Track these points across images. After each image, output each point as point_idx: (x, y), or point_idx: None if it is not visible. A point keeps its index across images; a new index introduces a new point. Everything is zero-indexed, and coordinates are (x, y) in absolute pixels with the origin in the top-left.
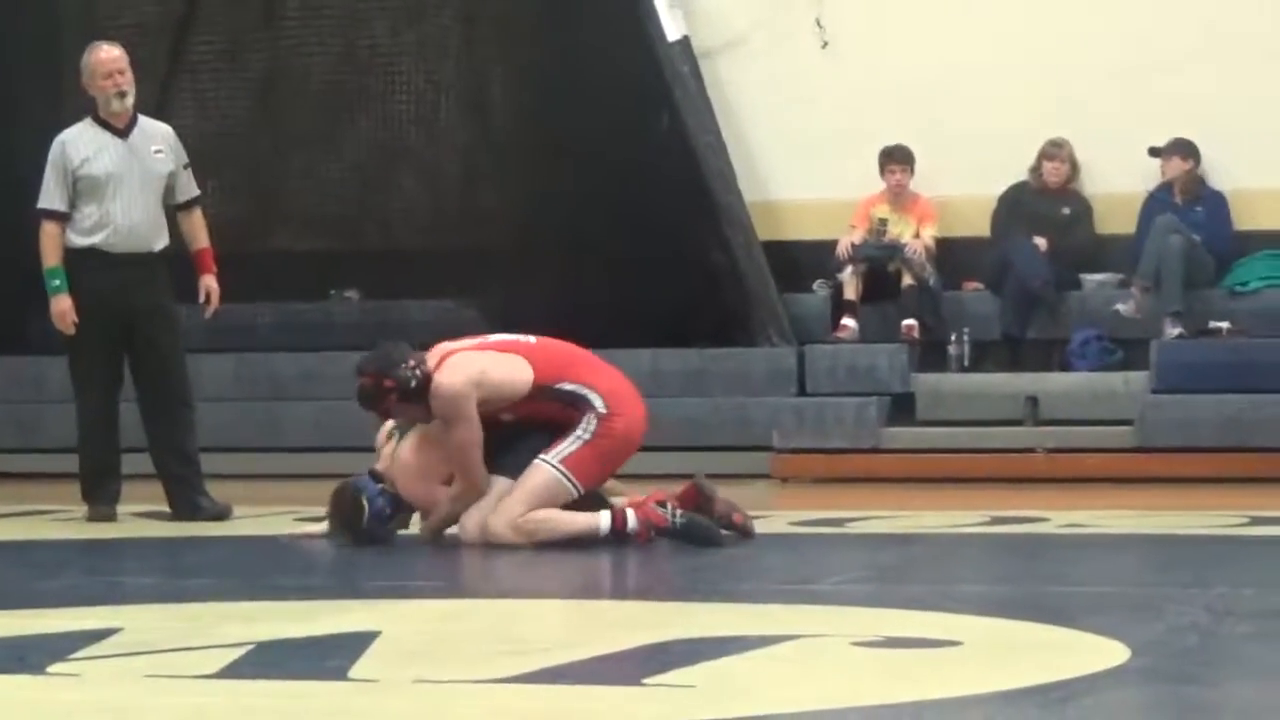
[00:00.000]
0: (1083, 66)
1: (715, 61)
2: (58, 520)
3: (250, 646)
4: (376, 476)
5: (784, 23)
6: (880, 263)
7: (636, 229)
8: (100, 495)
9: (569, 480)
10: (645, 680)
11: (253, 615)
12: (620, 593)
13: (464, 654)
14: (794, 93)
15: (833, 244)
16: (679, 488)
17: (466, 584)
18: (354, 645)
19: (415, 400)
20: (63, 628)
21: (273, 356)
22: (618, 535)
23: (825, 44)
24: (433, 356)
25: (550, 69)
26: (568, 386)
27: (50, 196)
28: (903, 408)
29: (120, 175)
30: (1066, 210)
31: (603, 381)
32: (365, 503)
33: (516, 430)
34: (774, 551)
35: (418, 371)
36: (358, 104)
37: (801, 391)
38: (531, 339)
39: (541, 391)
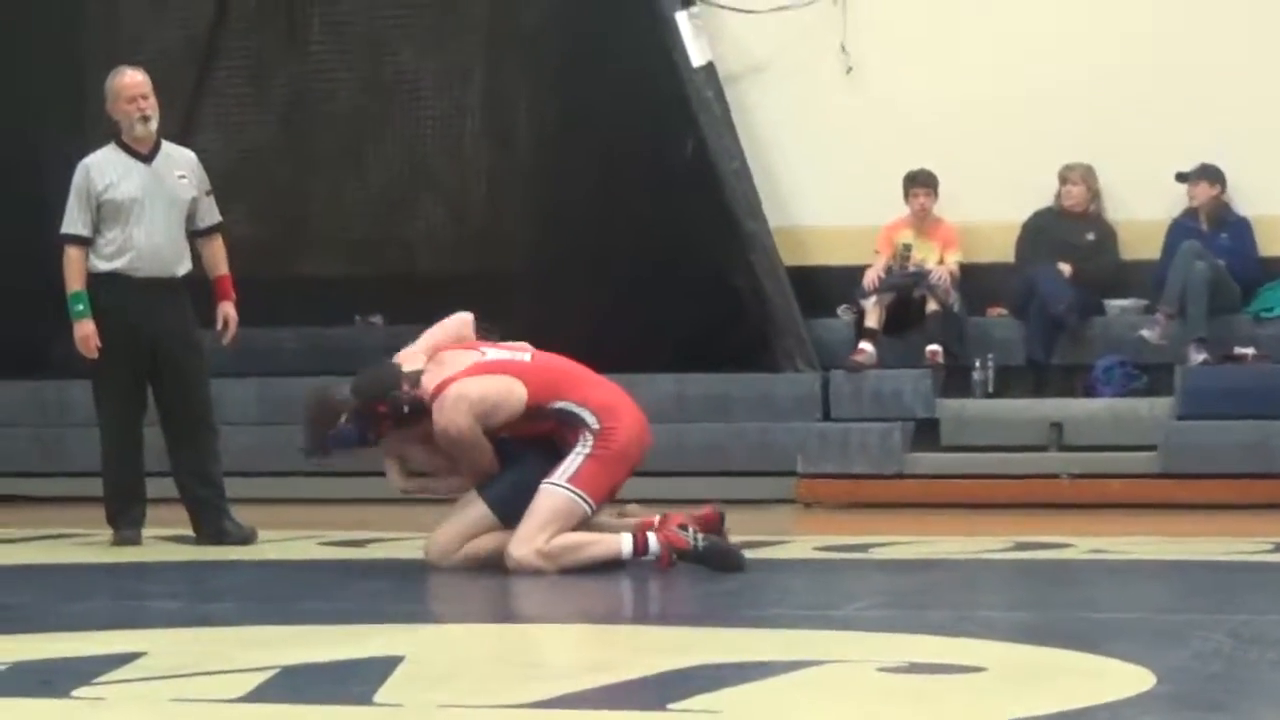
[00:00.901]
0: (1108, 92)
1: (740, 87)
2: (82, 544)
3: (275, 671)
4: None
5: (808, 49)
6: (905, 290)
7: (661, 254)
8: (125, 519)
9: (581, 498)
10: (669, 706)
11: (278, 640)
12: (643, 618)
13: (488, 679)
14: (818, 118)
15: (857, 269)
16: (699, 510)
17: (490, 609)
18: (379, 670)
19: (409, 424)
20: (87, 651)
21: (297, 381)
22: (639, 558)
23: (849, 69)
24: (430, 372)
25: (574, 93)
26: (559, 405)
27: (73, 221)
28: (927, 433)
29: (144, 200)
30: (1090, 236)
31: (595, 397)
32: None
33: (510, 450)
34: (798, 576)
35: (411, 395)
36: (382, 128)
37: (826, 416)
38: (526, 356)
39: (536, 411)
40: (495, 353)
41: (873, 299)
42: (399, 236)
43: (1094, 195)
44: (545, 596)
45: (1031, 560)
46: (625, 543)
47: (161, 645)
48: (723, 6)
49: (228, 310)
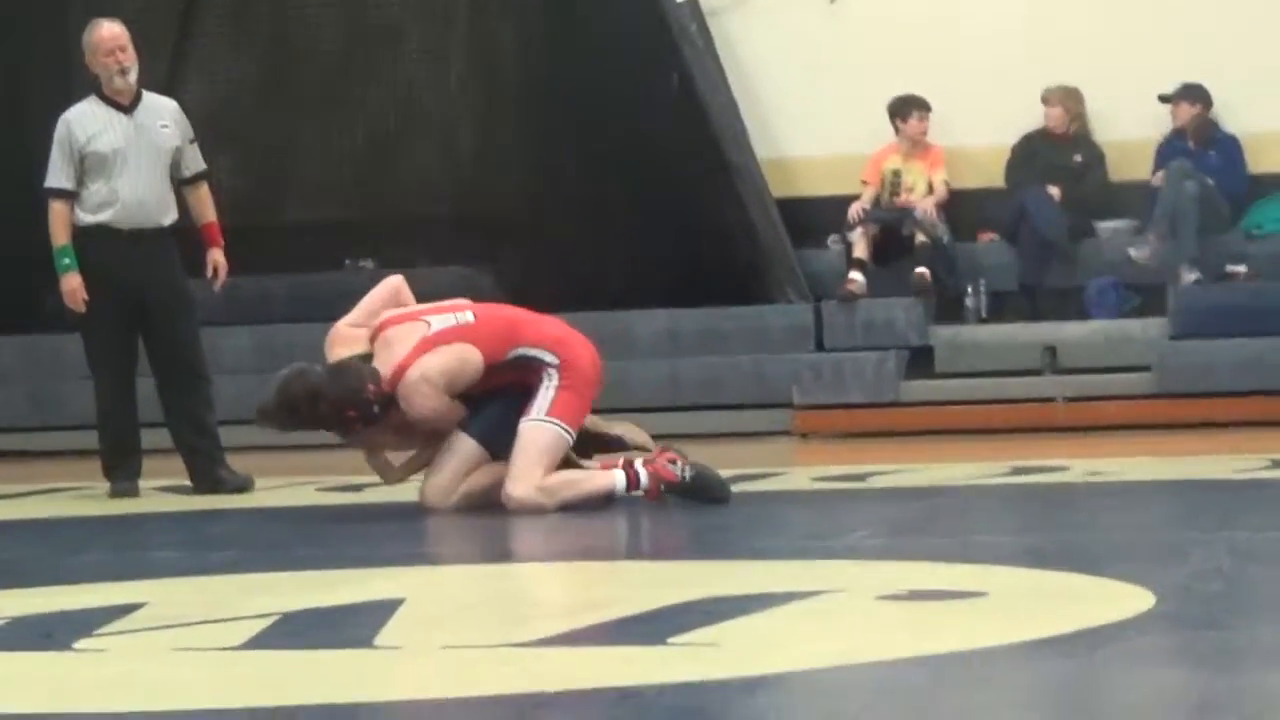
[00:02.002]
0: (1090, 14)
1: (723, 20)
2: (80, 497)
3: (276, 617)
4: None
5: None
6: (892, 223)
7: (650, 190)
8: (121, 471)
9: (562, 428)
10: (669, 640)
11: (277, 586)
12: (642, 553)
13: (488, 619)
14: (803, 48)
15: (847, 199)
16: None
17: (489, 550)
18: (379, 613)
19: (375, 423)
20: (88, 604)
21: (289, 328)
22: (631, 493)
23: None
24: (379, 355)
25: (558, 31)
26: (516, 353)
27: (57, 175)
28: (921, 361)
29: (126, 151)
30: (1078, 157)
31: (545, 335)
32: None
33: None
34: (796, 508)
35: (378, 393)
36: (367, 73)
37: (819, 347)
38: (469, 315)
39: (494, 367)
40: (439, 320)
41: (859, 230)
42: (388, 180)
43: (1075, 117)
44: (543, 536)
45: (1029, 484)
46: (619, 478)
47: (161, 595)
48: None
49: (216, 257)
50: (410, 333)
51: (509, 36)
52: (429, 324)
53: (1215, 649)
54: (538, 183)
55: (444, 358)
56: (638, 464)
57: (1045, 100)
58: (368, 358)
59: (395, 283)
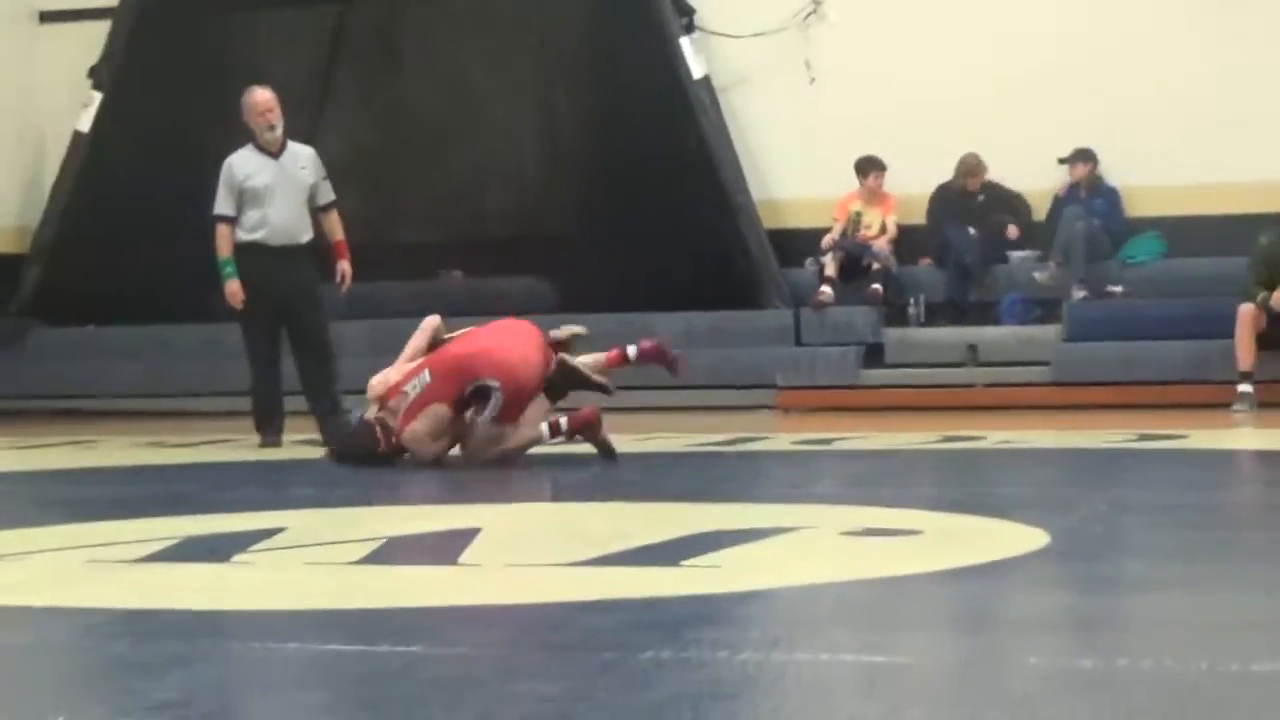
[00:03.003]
0: (998, 95)
1: (730, 93)
2: (238, 447)
3: (383, 540)
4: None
5: (780, 64)
6: (855, 252)
7: (670, 221)
8: (269, 428)
9: (501, 426)
10: (682, 562)
11: (386, 516)
12: (659, 496)
13: (544, 544)
14: (789, 116)
15: (821, 231)
16: (582, 410)
17: (543, 492)
18: (461, 539)
19: (401, 455)
20: (241, 527)
21: (398, 322)
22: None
23: (812, 80)
24: (396, 399)
25: (604, 100)
26: (471, 387)
27: (222, 204)
28: (875, 354)
29: (275, 187)
30: (981, 198)
31: (482, 361)
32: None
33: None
34: (778, 464)
35: (388, 445)
36: (459, 129)
37: (798, 343)
38: (426, 376)
39: (456, 408)
40: (411, 386)
41: (829, 255)
42: (473, 210)
43: (975, 174)
44: (584, 483)
45: (954, 450)
46: (544, 429)
47: (298, 522)
48: (715, 33)
49: (344, 267)
50: (400, 403)
51: (567, 104)
52: (407, 394)
53: (1096, 577)
54: (585, 214)
55: (421, 423)
56: (561, 420)
57: (973, 172)
58: (383, 422)
59: (433, 323)
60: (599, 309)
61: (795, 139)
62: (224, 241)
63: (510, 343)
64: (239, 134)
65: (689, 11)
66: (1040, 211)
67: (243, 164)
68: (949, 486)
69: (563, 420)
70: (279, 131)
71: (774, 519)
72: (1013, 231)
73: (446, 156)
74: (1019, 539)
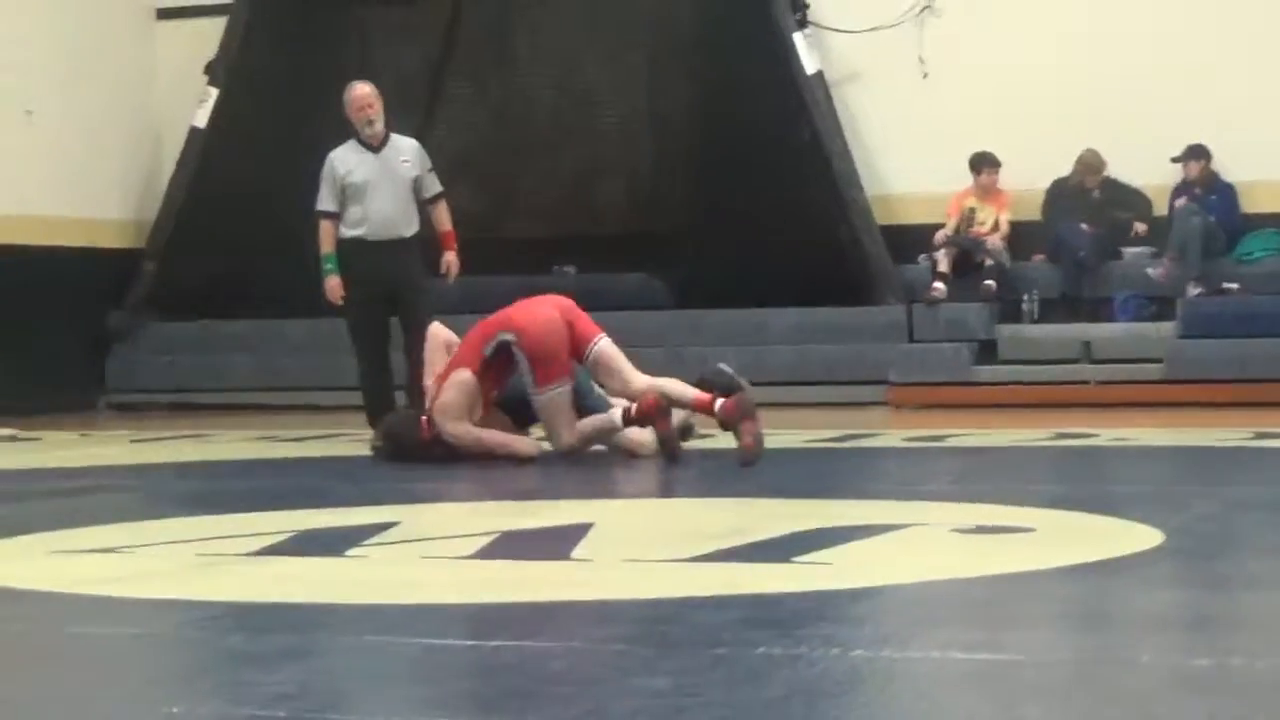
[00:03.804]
0: (1112, 90)
1: (843, 89)
2: (350, 441)
3: (497, 535)
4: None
5: (894, 59)
6: (969, 250)
7: (785, 217)
8: (379, 421)
9: (558, 389)
10: (794, 559)
11: (499, 512)
12: (772, 493)
13: (657, 539)
14: (903, 112)
15: (934, 227)
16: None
17: (657, 488)
18: (574, 534)
19: (446, 447)
20: (356, 521)
21: None
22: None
23: (926, 75)
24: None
25: (719, 95)
26: (490, 346)
27: (324, 200)
28: (988, 351)
29: (375, 182)
30: (1096, 194)
31: (500, 319)
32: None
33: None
34: (890, 460)
35: (431, 433)
36: (571, 124)
37: (910, 339)
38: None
39: (481, 370)
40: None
41: (942, 251)
42: (585, 205)
43: (1095, 172)
44: (696, 479)
45: (1067, 446)
46: (617, 414)
47: (411, 516)
48: (829, 28)
49: (450, 258)
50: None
51: (679, 99)
52: (450, 343)
53: (1210, 575)
54: (699, 210)
55: (448, 394)
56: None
57: (1094, 169)
58: (421, 415)
59: (435, 331)
60: (712, 305)
61: (908, 134)
62: (326, 237)
63: (527, 304)
64: (349, 130)
65: (802, 7)
66: (1159, 208)
67: (343, 160)
68: (1062, 484)
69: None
70: (379, 126)
71: (885, 516)
72: (1140, 229)
73: (559, 151)
74: (1133, 537)
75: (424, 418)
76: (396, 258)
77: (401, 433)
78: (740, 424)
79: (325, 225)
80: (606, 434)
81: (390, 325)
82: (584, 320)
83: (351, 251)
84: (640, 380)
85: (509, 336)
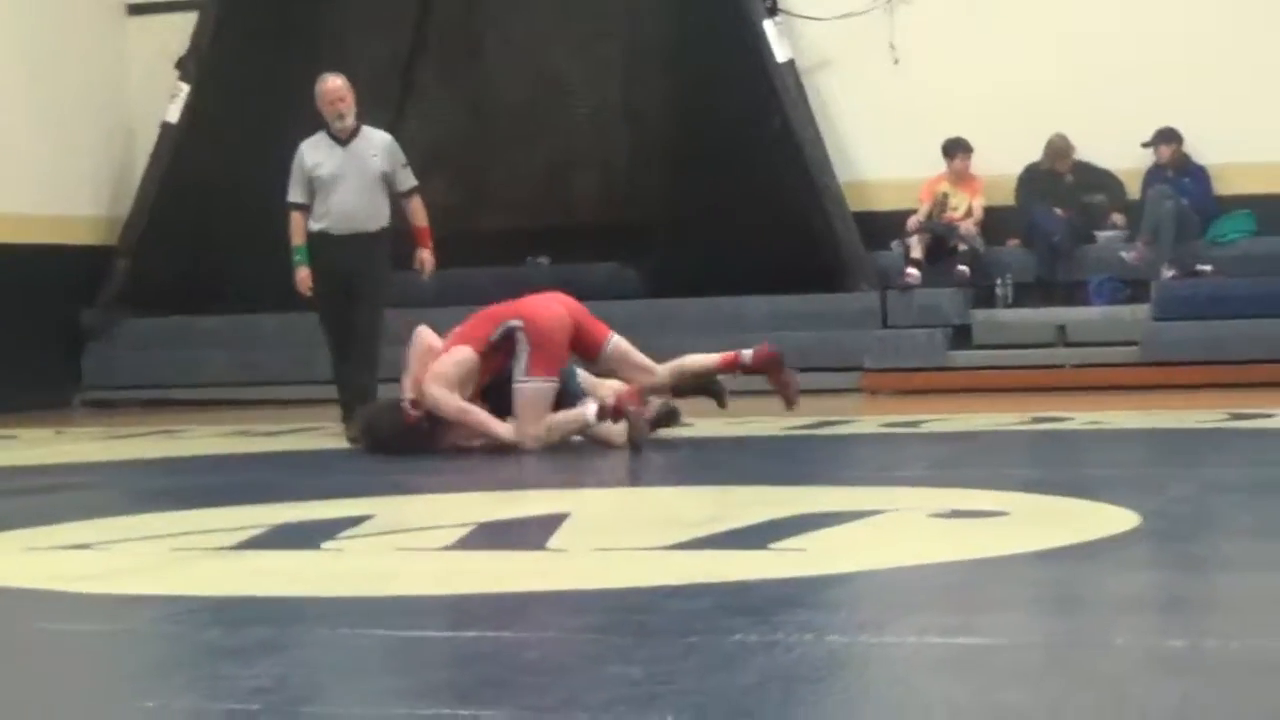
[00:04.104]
0: (1087, 73)
1: (814, 76)
2: (325, 435)
3: (473, 526)
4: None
5: (864, 46)
6: (942, 236)
7: (758, 205)
8: (352, 415)
9: (543, 382)
10: (770, 545)
11: (474, 503)
12: (746, 480)
13: (634, 528)
14: (874, 99)
15: (907, 213)
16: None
17: (632, 476)
18: (550, 524)
19: (432, 432)
20: (331, 514)
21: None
22: (602, 421)
23: (896, 61)
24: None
25: (689, 85)
26: (496, 332)
27: (294, 192)
28: (962, 336)
29: (341, 175)
30: (1069, 179)
31: (510, 307)
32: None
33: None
34: (865, 446)
35: (415, 419)
36: (544, 115)
37: (884, 325)
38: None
39: (487, 350)
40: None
41: (915, 237)
42: (559, 197)
43: (1064, 155)
44: (672, 468)
45: (1043, 430)
46: (590, 411)
47: (385, 509)
48: (799, 15)
49: (423, 255)
50: (428, 359)
51: (653, 89)
52: (433, 348)
53: (1185, 558)
54: (672, 199)
55: (442, 366)
56: (609, 400)
57: (1062, 153)
58: (407, 400)
59: (420, 335)
60: (686, 293)
61: (880, 121)
62: (296, 229)
63: (536, 298)
64: (322, 123)
65: None
66: (1132, 191)
67: (311, 152)
68: (1037, 468)
69: (609, 400)
70: (349, 120)
71: (861, 501)
72: (1118, 219)
73: (532, 143)
74: (1108, 520)
75: (405, 402)
76: (357, 251)
77: (379, 424)
78: (773, 372)
79: (295, 217)
80: (577, 429)
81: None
82: (592, 320)
83: (315, 245)
84: (661, 367)
85: (516, 323)
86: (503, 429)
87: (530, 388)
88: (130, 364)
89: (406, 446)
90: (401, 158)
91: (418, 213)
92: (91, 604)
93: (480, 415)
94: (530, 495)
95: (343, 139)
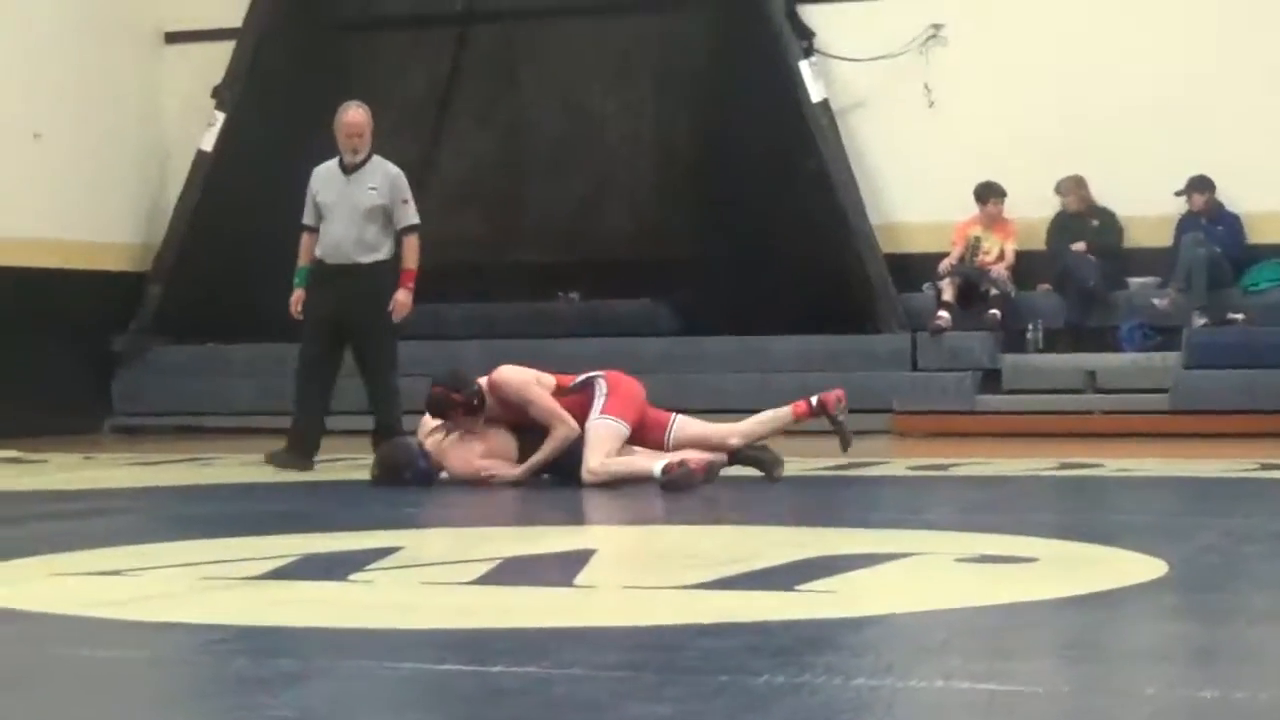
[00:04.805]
0: (1118, 121)
1: (848, 117)
2: (353, 466)
3: (500, 561)
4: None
5: (899, 88)
6: (973, 280)
7: (790, 245)
8: (296, 450)
9: (616, 421)
10: (797, 587)
11: (501, 538)
12: (774, 520)
13: (660, 567)
14: (907, 141)
15: (939, 256)
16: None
17: (659, 514)
18: (577, 560)
19: (472, 414)
20: (358, 546)
21: (515, 342)
22: (667, 475)
23: (931, 103)
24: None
25: (724, 123)
26: (578, 379)
27: (306, 215)
28: (992, 380)
29: (336, 204)
30: (1095, 222)
31: (598, 368)
32: (413, 459)
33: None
34: (894, 489)
35: (478, 393)
36: (577, 149)
37: (914, 367)
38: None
39: (563, 389)
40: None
41: (947, 280)
42: (591, 231)
43: (1082, 198)
44: (699, 506)
45: (1071, 477)
46: (658, 465)
47: (413, 541)
48: (834, 56)
49: (399, 296)
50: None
51: (685, 126)
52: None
53: (1213, 608)
54: (702, 237)
55: (602, 438)
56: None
57: (1057, 190)
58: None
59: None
60: (716, 331)
61: (914, 163)
62: (303, 250)
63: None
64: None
65: (809, 35)
66: (1158, 236)
67: (318, 177)
68: (1066, 514)
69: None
70: (361, 155)
71: (889, 544)
72: (1079, 246)
73: (564, 177)
74: (1137, 568)
75: (421, 443)
76: (346, 283)
77: (395, 462)
78: (834, 416)
79: (304, 239)
80: (636, 478)
81: (338, 354)
82: (654, 410)
83: (313, 271)
84: (730, 431)
85: (598, 374)
86: (645, 464)
87: (603, 424)
88: (161, 391)
89: (419, 484)
90: (404, 194)
91: (409, 252)
92: (120, 630)
93: (548, 401)
94: (558, 531)
95: (347, 169)
